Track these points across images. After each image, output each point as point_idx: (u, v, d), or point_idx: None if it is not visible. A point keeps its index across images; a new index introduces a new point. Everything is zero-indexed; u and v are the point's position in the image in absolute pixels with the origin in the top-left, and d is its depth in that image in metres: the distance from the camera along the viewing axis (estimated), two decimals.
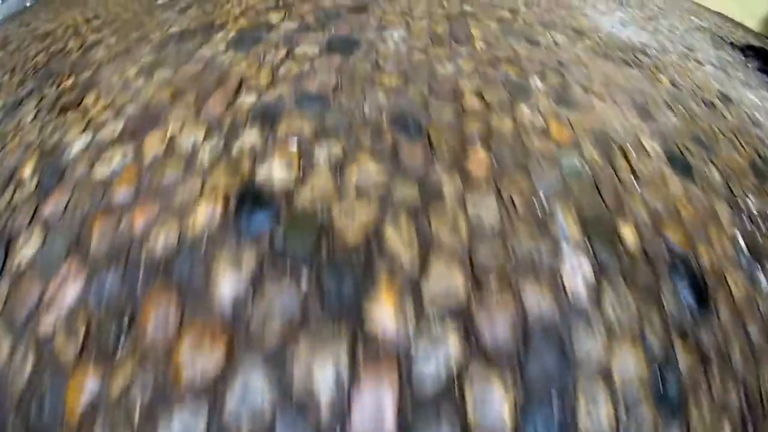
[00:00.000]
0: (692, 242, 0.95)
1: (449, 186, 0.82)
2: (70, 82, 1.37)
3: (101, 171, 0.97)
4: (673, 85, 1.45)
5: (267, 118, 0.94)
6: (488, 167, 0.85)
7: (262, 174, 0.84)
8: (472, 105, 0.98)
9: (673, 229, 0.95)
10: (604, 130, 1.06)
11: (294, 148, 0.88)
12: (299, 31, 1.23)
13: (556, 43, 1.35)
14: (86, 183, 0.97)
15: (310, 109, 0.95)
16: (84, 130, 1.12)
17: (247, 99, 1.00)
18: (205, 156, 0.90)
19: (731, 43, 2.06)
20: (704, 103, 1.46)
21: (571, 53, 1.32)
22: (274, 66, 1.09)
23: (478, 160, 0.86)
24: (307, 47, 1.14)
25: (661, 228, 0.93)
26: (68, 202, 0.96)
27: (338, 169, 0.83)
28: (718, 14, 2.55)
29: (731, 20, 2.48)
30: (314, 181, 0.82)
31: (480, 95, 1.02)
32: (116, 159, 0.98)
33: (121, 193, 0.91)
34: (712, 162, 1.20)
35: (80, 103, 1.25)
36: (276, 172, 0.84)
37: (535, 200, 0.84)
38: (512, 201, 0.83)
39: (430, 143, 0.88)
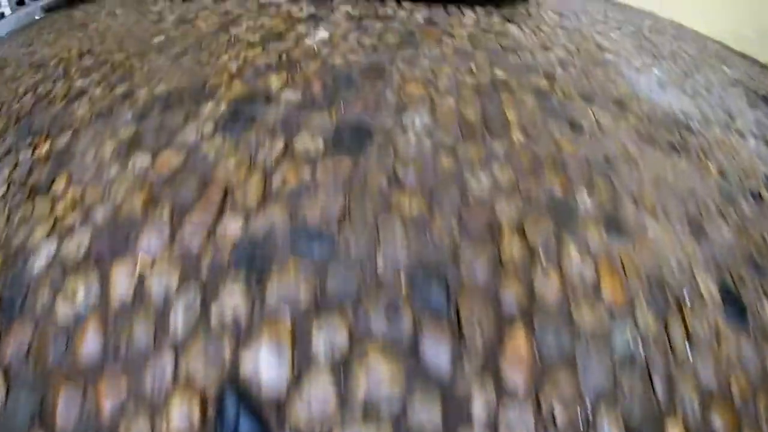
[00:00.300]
0: (739, 428, 0.71)
1: (480, 401, 0.53)
2: (45, 148, 1.05)
3: (64, 311, 0.66)
4: (722, 174, 1.13)
5: (254, 266, 0.64)
6: (528, 365, 0.57)
7: (248, 365, 0.55)
8: (512, 251, 0.67)
9: (722, 416, 0.69)
10: (660, 273, 0.75)
11: (287, 324, 0.61)
12: (302, 108, 0.90)
13: (599, 126, 1.02)
14: (49, 323, 0.68)
15: (309, 257, 0.63)
16: (50, 234, 0.80)
17: (232, 225, 0.69)
18: (178, 319, 0.61)
19: (764, 97, 1.70)
20: (753, 197, 1.15)
21: (617, 141, 1.00)
22: (268, 170, 0.76)
23: (517, 353, 0.57)
24: (310, 139, 0.81)
25: (710, 418, 0.67)
26: (30, 344, 0.69)
27: (342, 370, 0.56)
28: (743, 56, 2.13)
29: (757, 63, 2.08)
30: (312, 390, 0.54)
31: (521, 231, 0.71)
32: (80, 294, 0.69)
33: (86, 349, 0.63)
34: (763, 292, 0.92)
35: (50, 187, 0.95)
36: (264, 366, 0.54)
37: (579, 410, 0.58)
38: (552, 416, 0.56)
39: (459, 325, 0.61)
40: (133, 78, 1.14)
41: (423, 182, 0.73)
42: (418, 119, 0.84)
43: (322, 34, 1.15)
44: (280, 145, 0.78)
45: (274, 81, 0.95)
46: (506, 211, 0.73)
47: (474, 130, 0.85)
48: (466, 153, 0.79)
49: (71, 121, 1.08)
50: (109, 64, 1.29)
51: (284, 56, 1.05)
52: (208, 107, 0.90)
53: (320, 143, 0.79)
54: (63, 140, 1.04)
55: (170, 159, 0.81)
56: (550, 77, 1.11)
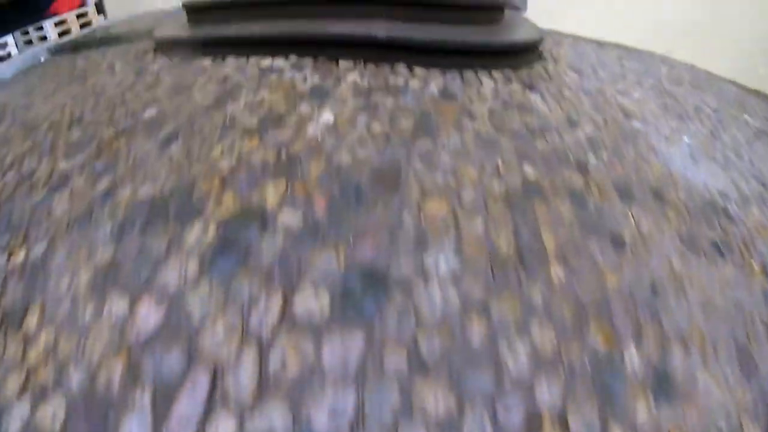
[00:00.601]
0: None
1: None
2: (20, 257, 0.82)
3: None
4: (765, 273, 0.94)
5: None
6: None
7: None
8: None
9: None
10: None
11: None
12: (303, 240, 0.64)
13: (641, 235, 0.78)
14: None
15: None
16: (22, 392, 0.59)
17: (224, 427, 0.50)
18: None
19: None
20: None
21: (661, 256, 0.78)
22: (264, 343, 0.53)
23: None
24: (313, 295, 0.56)
25: None
26: None
27: None
28: (757, 93, 1.89)
29: None
30: None
31: (564, 422, 0.53)
32: None
33: None
34: None
35: (22, 323, 0.73)
36: None
37: None
38: None
39: None
40: (117, 168, 0.91)
41: (451, 363, 0.54)
42: (442, 260, 0.64)
43: (327, 116, 0.93)
44: (277, 303, 0.58)
45: (271, 193, 0.73)
46: (547, 394, 0.53)
47: (508, 271, 0.65)
48: (501, 311, 0.59)
49: (48, 226, 0.87)
50: (96, 142, 1.07)
51: (284, 151, 0.82)
52: (194, 231, 0.69)
53: (325, 302, 0.58)
54: (39, 249, 0.83)
55: (150, 311, 0.61)
56: (582, 168, 0.89)
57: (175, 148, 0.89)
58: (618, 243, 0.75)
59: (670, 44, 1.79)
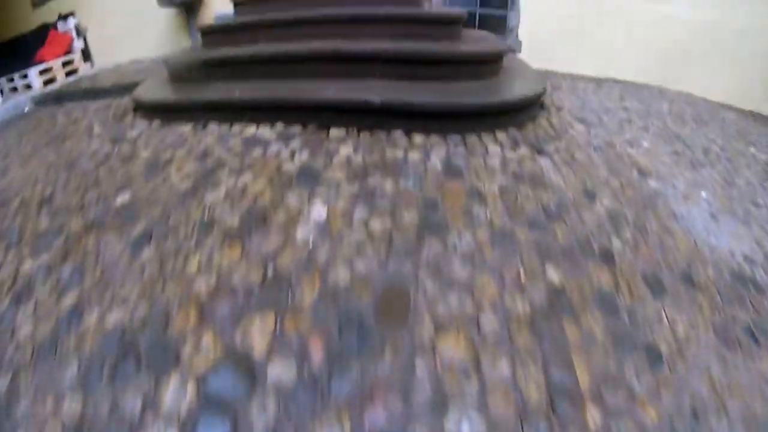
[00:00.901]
0: None
1: None
2: None
3: None
4: None
5: None
6: None
7: None
8: None
9: None
10: None
11: None
12: (299, 402, 0.49)
13: (677, 342, 0.63)
14: None
15: None
16: None
17: None
18: None
19: None
20: None
21: (700, 368, 0.61)
22: None
23: None
24: None
25: None
26: None
27: None
28: (752, 115, 1.75)
29: None
30: None
31: None
32: None
33: None
34: None
35: None
36: None
37: None
38: None
39: None
40: (85, 278, 0.73)
41: None
42: (465, 423, 0.48)
43: (319, 211, 0.75)
44: None
45: (258, 333, 0.56)
46: None
47: (539, 425, 0.52)
48: None
49: (13, 351, 0.68)
50: (65, 236, 0.88)
51: (270, 267, 0.64)
52: (171, 386, 0.54)
53: None
54: (2, 384, 0.70)
55: None
56: (608, 258, 0.73)
57: (147, 255, 0.72)
58: (654, 358, 0.61)
59: (668, 67, 1.65)
